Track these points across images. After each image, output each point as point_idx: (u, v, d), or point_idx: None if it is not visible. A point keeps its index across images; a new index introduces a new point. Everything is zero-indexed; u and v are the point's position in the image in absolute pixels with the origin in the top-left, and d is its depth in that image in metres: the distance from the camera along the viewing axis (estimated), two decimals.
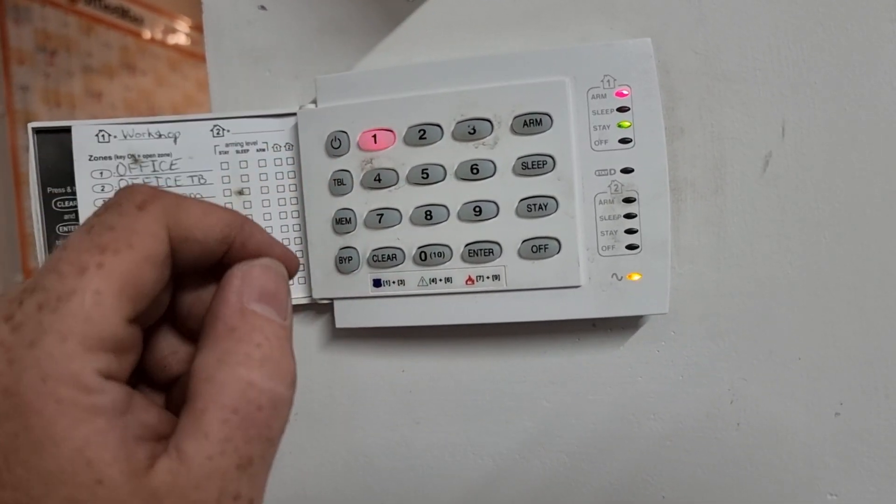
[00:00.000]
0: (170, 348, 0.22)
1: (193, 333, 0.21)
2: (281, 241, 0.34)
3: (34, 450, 0.15)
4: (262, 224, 0.34)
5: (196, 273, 0.21)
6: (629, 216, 0.30)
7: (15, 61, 1.49)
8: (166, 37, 2.00)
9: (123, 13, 1.82)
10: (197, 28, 2.00)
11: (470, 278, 0.31)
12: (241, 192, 0.34)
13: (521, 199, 0.31)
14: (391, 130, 0.32)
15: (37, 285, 0.16)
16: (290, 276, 0.22)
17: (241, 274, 0.20)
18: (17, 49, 1.49)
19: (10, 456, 0.15)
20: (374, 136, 0.32)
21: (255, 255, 0.21)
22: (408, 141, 0.32)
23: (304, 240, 0.34)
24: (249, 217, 0.21)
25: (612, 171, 0.30)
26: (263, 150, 0.34)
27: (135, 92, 1.86)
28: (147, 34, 1.92)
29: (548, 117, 0.30)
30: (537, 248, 0.30)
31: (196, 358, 0.19)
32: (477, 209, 0.31)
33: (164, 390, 0.22)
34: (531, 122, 0.30)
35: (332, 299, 0.34)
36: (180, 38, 2.06)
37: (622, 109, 0.30)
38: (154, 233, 0.18)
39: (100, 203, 0.32)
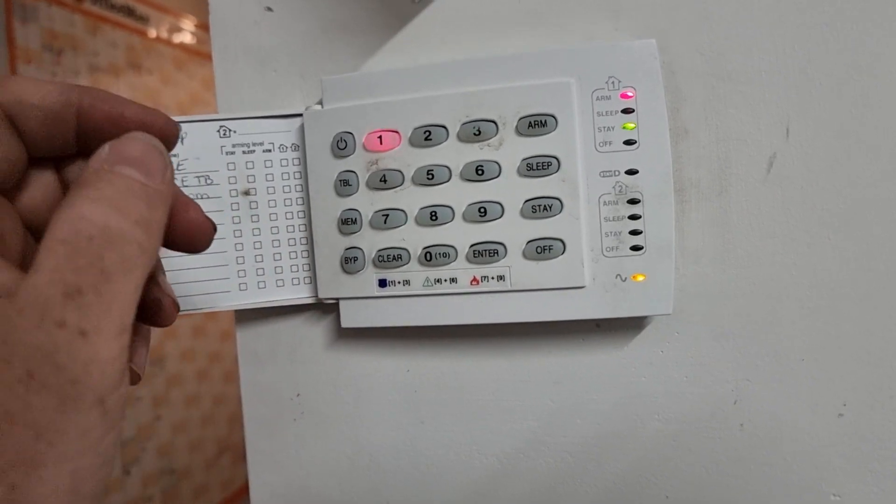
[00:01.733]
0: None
1: None
2: (287, 240, 0.34)
3: None
4: (268, 224, 0.34)
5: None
6: (633, 217, 0.30)
7: (22, 60, 1.50)
8: (172, 35, 2.01)
9: (129, 12, 1.82)
10: (202, 27, 2.01)
11: (475, 279, 0.31)
12: (247, 193, 0.34)
13: (526, 200, 0.31)
14: (397, 131, 0.32)
15: None
16: (170, 141, 0.22)
17: (108, 146, 0.20)
18: (24, 48, 1.50)
19: None
20: (380, 137, 0.32)
21: (116, 121, 0.21)
22: (413, 142, 0.32)
23: (310, 240, 0.34)
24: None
25: (617, 173, 0.30)
26: (270, 150, 0.34)
27: (141, 91, 1.86)
28: (153, 33, 1.93)
29: (552, 118, 0.30)
30: (542, 249, 0.31)
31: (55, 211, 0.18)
32: (482, 210, 0.31)
33: None
34: (536, 124, 0.30)
35: (337, 299, 0.34)
36: (186, 37, 2.06)
37: (627, 111, 0.30)
38: None
39: None
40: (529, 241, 0.31)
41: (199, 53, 2.07)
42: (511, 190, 0.31)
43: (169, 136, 0.23)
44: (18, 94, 0.20)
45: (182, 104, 1.98)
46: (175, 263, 0.33)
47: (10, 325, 0.16)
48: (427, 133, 0.31)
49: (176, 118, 0.33)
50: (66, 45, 1.62)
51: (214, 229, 0.23)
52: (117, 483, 1.55)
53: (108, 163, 0.19)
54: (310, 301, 0.35)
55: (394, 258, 0.32)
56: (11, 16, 1.46)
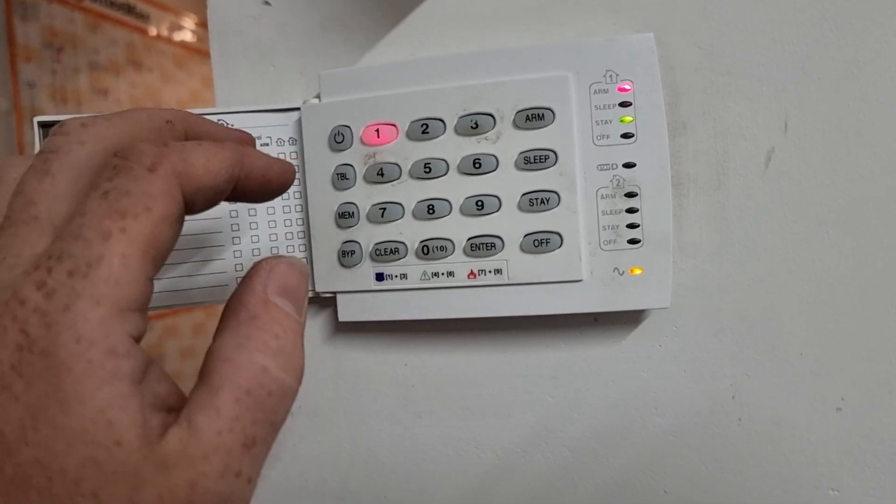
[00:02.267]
0: None
1: None
2: (285, 234, 0.34)
3: (61, 408, 0.16)
4: (266, 218, 0.34)
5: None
6: (631, 211, 0.30)
7: (22, 58, 1.50)
8: (172, 33, 2.01)
9: (129, 10, 1.83)
10: (202, 25, 2.01)
11: (472, 272, 0.31)
12: None
13: (524, 194, 0.31)
14: (394, 125, 0.32)
15: (63, 253, 0.17)
16: (286, 186, 0.24)
17: (268, 267, 0.22)
18: (24, 46, 1.50)
19: (38, 415, 0.16)
20: (377, 130, 0.32)
21: (258, 181, 0.22)
22: (410, 135, 0.32)
23: (308, 234, 0.34)
24: (247, 148, 0.23)
25: (614, 166, 0.30)
26: (267, 144, 0.34)
27: (141, 88, 1.86)
28: (153, 31, 1.93)
29: (550, 112, 0.30)
30: (539, 243, 0.31)
31: (216, 338, 0.20)
32: (479, 203, 0.31)
33: None
34: (533, 117, 0.30)
35: (334, 293, 0.34)
36: (186, 35, 2.07)
37: (624, 104, 0.30)
38: (167, 192, 0.18)
39: None
40: (527, 235, 0.31)
41: (200, 51, 2.07)
42: (508, 183, 0.31)
43: (290, 184, 0.24)
44: (197, 180, 0.20)
45: (182, 102, 1.98)
46: (172, 257, 0.33)
47: (195, 469, 0.17)
48: (424, 126, 0.31)
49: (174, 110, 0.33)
50: (66, 42, 1.62)
51: (294, 171, 0.25)
52: None
53: (272, 294, 0.21)
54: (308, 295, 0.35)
55: (391, 252, 0.32)
56: (11, 13, 1.46)
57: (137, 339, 0.17)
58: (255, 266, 0.22)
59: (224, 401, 0.18)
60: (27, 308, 0.16)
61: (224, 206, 0.34)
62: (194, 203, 0.20)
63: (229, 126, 0.25)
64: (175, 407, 0.18)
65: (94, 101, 1.70)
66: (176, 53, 2.02)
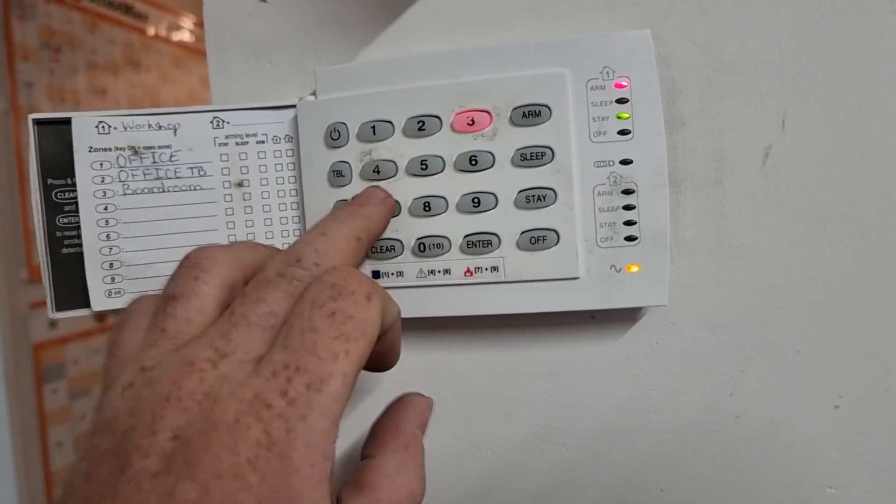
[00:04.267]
0: None
1: None
2: (281, 232, 0.34)
3: (289, 501, 0.18)
4: (262, 215, 0.34)
5: None
6: (628, 208, 0.30)
7: (20, 58, 1.50)
8: (170, 33, 2.01)
9: (127, 10, 1.82)
10: (200, 24, 2.00)
11: (469, 270, 0.31)
12: (240, 184, 0.34)
13: (520, 191, 0.31)
14: (390, 122, 0.32)
15: (300, 365, 0.19)
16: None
17: (414, 402, 0.32)
18: (21, 45, 1.50)
19: None
20: (374, 127, 0.32)
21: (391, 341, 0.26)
22: (407, 132, 0.32)
23: (304, 231, 0.34)
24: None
25: (611, 163, 0.30)
26: (263, 141, 0.34)
27: (139, 88, 1.86)
28: (151, 31, 1.92)
29: (547, 109, 0.30)
30: (536, 240, 0.30)
31: (378, 455, 0.27)
32: (476, 200, 0.31)
33: None
34: (530, 114, 0.30)
35: None
36: (184, 35, 2.06)
37: (621, 101, 0.30)
38: (377, 322, 0.22)
39: (100, 195, 0.32)
40: (523, 232, 0.31)
41: (198, 51, 2.06)
42: (505, 180, 0.31)
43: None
44: (389, 316, 0.23)
45: (180, 101, 1.97)
46: (168, 254, 0.33)
47: None
48: (421, 123, 0.31)
49: (170, 108, 0.33)
50: (63, 42, 1.62)
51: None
52: None
53: (415, 423, 0.30)
54: None
55: (387, 249, 0.32)
56: (9, 13, 1.46)
57: None
58: (406, 399, 0.32)
59: None
60: (272, 412, 0.19)
61: (221, 204, 0.34)
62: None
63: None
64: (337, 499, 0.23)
65: (92, 100, 1.70)
66: (174, 53, 2.02)
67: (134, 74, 1.85)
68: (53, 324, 1.52)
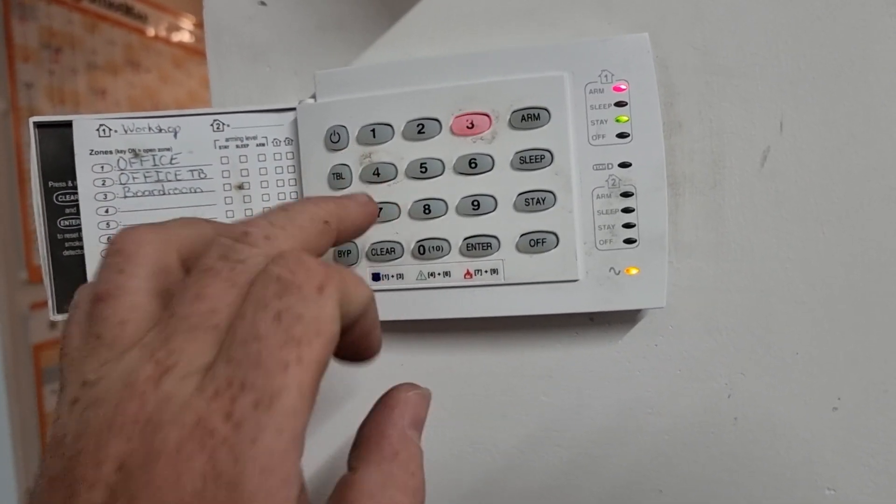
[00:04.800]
0: None
1: None
2: None
3: None
4: None
5: None
6: (627, 210, 0.30)
7: (20, 58, 1.50)
8: (170, 34, 2.01)
9: (127, 10, 1.82)
10: (200, 25, 2.00)
11: (468, 272, 0.31)
12: (240, 187, 0.34)
13: (519, 194, 0.31)
14: (390, 125, 0.32)
15: (245, 382, 0.17)
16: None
17: (403, 399, 0.25)
18: (22, 46, 1.50)
19: None
20: (373, 130, 0.32)
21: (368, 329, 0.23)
22: (406, 135, 0.32)
23: None
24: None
25: (610, 166, 0.30)
26: (263, 144, 0.34)
27: (139, 89, 1.86)
28: (151, 31, 1.93)
29: (545, 112, 0.30)
30: (535, 243, 0.31)
31: (361, 468, 0.22)
32: (475, 203, 0.31)
33: None
34: (529, 117, 0.30)
35: None
36: (184, 36, 2.06)
37: (620, 104, 0.30)
38: (334, 316, 0.19)
39: (101, 197, 0.32)
40: (523, 235, 0.31)
41: (198, 52, 2.07)
42: (504, 183, 0.31)
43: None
44: (350, 305, 0.20)
45: (181, 102, 1.98)
46: None
47: None
48: (420, 126, 0.31)
49: (170, 111, 0.33)
50: (64, 43, 1.62)
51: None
52: None
53: (406, 423, 0.24)
54: None
55: (387, 251, 0.32)
56: (9, 14, 1.46)
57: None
58: (393, 396, 0.25)
59: None
60: (216, 439, 0.16)
61: (221, 206, 0.34)
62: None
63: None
64: None
65: (92, 101, 1.70)
66: (174, 54, 2.02)
67: (134, 75, 1.85)
68: (53, 324, 1.52)
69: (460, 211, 0.31)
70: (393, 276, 0.32)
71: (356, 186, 0.32)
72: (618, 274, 0.30)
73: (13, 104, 1.48)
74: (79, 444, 0.17)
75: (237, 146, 0.34)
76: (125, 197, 0.32)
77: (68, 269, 0.32)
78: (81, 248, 0.32)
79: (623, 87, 0.30)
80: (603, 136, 0.30)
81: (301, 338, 0.18)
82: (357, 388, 0.36)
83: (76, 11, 1.66)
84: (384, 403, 0.24)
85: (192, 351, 0.18)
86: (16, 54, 1.49)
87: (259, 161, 0.34)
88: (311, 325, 0.18)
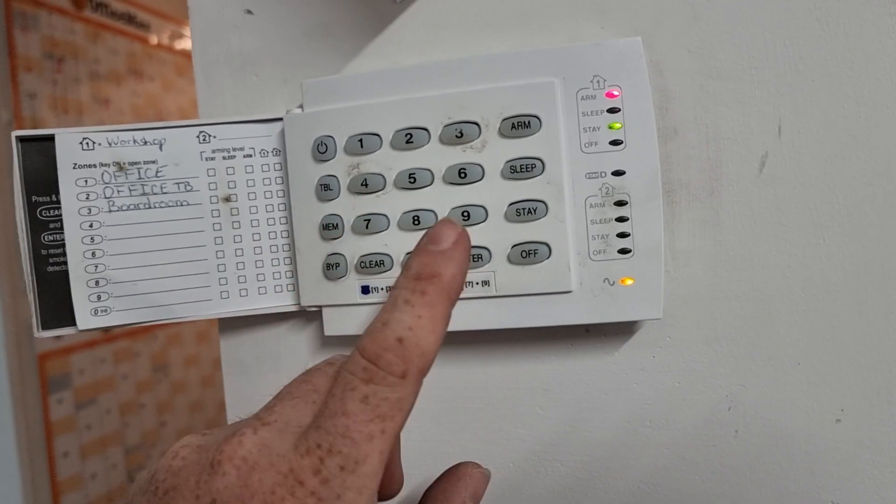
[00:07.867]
0: None
1: None
2: (269, 247, 0.34)
3: None
4: (250, 230, 0.34)
5: None
6: (621, 219, 0.29)
7: (22, 68, 1.50)
8: (173, 42, 2.01)
9: (130, 19, 1.83)
10: None
11: None
12: (227, 199, 0.33)
13: (510, 204, 0.30)
14: (378, 135, 0.31)
15: (332, 447, 0.20)
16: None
17: (468, 473, 0.28)
18: (24, 56, 1.50)
19: None
20: (361, 140, 0.31)
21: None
22: (395, 145, 0.31)
23: (293, 246, 0.33)
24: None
25: (603, 174, 0.29)
26: (250, 155, 0.33)
27: (142, 98, 1.86)
28: (154, 40, 1.93)
29: (536, 119, 0.29)
30: (527, 254, 0.30)
31: None
32: (465, 214, 0.30)
33: None
34: (519, 125, 0.30)
35: (320, 307, 0.33)
36: (186, 44, 2.07)
37: (613, 110, 0.29)
38: (414, 395, 0.22)
39: (85, 212, 0.31)
40: (514, 246, 0.30)
41: None
42: (495, 193, 0.30)
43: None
44: (426, 370, 0.23)
45: (184, 110, 1.98)
46: (155, 272, 0.32)
47: None
48: (408, 136, 0.31)
49: (155, 123, 0.33)
50: (66, 52, 1.62)
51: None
52: (122, 490, 1.55)
53: (468, 496, 0.27)
54: (293, 309, 0.34)
55: (376, 264, 0.31)
56: (11, 24, 1.47)
57: None
58: (461, 469, 0.28)
59: None
60: (305, 489, 0.19)
61: (208, 219, 0.33)
62: None
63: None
64: None
65: (96, 110, 1.70)
66: (177, 62, 2.02)
67: (137, 84, 1.85)
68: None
69: None
70: (382, 289, 0.32)
71: (344, 198, 0.32)
72: (612, 285, 0.30)
73: (16, 114, 1.49)
74: (176, 479, 0.20)
75: (224, 158, 0.33)
76: (110, 211, 0.32)
77: (53, 285, 0.32)
78: (66, 263, 0.31)
79: (616, 92, 0.29)
80: (596, 144, 0.29)
81: (386, 415, 0.21)
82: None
83: (78, 21, 1.67)
84: (452, 474, 0.28)
85: (290, 413, 0.21)
86: (18, 64, 1.49)
87: (247, 172, 0.33)
88: (396, 404, 0.21)
